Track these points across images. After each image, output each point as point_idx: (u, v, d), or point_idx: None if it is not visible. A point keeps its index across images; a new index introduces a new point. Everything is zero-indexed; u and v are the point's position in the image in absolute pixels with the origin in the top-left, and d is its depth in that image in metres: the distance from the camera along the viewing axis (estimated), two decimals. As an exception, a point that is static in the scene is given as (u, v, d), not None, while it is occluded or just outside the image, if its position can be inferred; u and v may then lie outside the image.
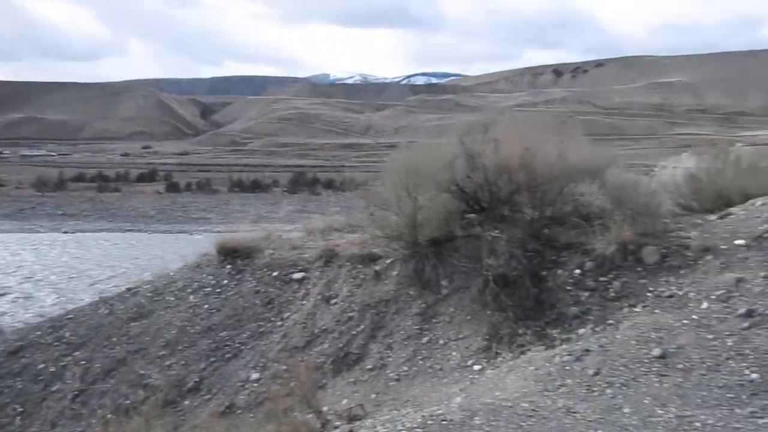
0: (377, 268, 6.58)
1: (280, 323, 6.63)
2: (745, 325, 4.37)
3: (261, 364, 6.21)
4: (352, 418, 4.46)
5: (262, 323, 6.73)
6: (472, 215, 6.76)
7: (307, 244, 7.71)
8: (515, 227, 6.31)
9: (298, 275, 7.08)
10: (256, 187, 65.98)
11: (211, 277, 7.69)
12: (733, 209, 6.35)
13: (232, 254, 7.85)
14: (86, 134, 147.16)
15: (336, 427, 4.37)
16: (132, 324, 7.53)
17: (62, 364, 7.30)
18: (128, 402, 6.46)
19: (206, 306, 7.26)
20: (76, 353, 7.41)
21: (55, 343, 7.65)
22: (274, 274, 7.28)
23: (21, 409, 6.92)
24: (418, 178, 6.30)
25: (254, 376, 6.15)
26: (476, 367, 5.24)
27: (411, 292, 6.23)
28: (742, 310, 4.58)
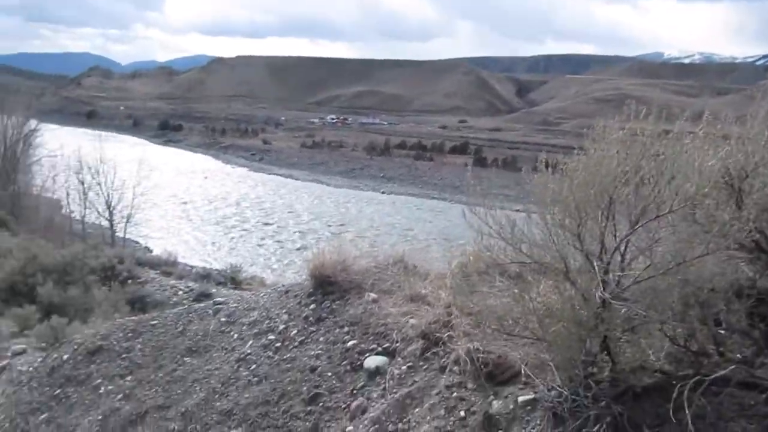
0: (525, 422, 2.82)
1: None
2: None
3: None
4: None
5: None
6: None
7: (434, 295, 4.25)
8: None
9: (373, 361, 3.74)
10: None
11: (286, 317, 4.89)
12: None
13: (325, 286, 4.90)
14: (414, 107, 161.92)
15: None
16: (185, 359, 5.28)
17: (99, 390, 5.49)
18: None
19: (253, 367, 4.49)
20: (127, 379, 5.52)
21: (122, 356, 5.91)
22: (349, 343, 4.07)
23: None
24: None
25: None
26: None
27: None
28: None
